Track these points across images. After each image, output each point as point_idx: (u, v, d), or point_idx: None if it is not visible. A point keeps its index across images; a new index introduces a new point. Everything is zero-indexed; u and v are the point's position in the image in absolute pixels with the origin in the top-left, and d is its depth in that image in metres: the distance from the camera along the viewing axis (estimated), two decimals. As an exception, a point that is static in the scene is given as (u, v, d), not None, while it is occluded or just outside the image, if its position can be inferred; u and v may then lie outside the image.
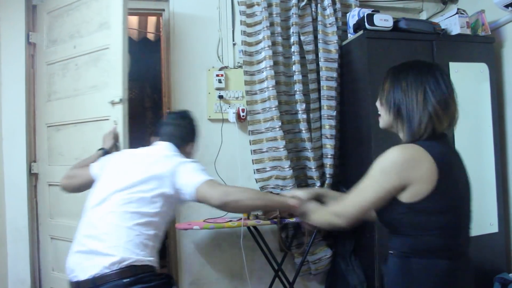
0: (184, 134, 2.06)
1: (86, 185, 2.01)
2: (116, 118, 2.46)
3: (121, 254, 1.60)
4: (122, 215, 1.68)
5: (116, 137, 2.44)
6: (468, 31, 2.98)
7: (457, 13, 2.96)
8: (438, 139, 1.35)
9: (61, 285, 2.77)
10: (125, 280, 1.58)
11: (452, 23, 2.99)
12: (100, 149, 2.29)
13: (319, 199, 1.80)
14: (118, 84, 2.47)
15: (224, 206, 1.74)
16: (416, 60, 1.51)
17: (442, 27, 2.99)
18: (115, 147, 2.41)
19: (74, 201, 2.65)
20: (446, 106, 1.35)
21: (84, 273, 1.60)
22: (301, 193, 1.78)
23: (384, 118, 1.48)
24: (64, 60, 2.80)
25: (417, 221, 1.31)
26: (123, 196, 1.71)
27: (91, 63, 2.67)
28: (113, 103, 2.48)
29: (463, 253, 1.46)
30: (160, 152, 1.92)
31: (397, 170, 1.29)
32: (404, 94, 1.36)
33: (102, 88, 2.59)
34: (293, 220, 2.74)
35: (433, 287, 1.32)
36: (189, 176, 1.76)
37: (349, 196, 1.44)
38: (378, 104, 1.53)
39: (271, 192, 2.91)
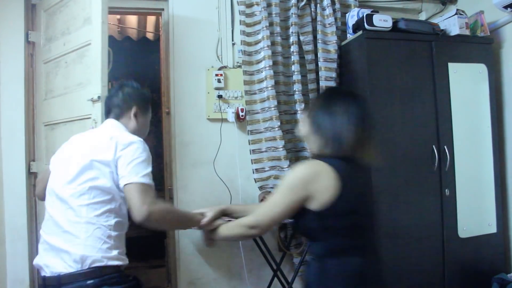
0: (122, 102, 1.93)
1: None
2: (96, 116, 2.38)
3: (82, 252, 1.58)
4: (77, 210, 1.64)
5: None
6: (467, 32, 2.98)
7: (456, 13, 2.97)
8: (343, 159, 1.52)
9: None
10: (89, 282, 1.57)
11: (451, 23, 2.99)
12: None
13: (227, 214, 1.95)
14: (98, 81, 2.39)
15: (141, 222, 1.59)
16: (348, 89, 1.88)
17: (441, 28, 3.00)
18: None
19: None
20: (357, 135, 1.53)
21: (49, 270, 1.61)
22: (208, 209, 1.88)
23: (304, 129, 1.64)
24: (57, 58, 2.79)
25: (327, 225, 1.50)
26: (72, 190, 1.67)
27: (77, 60, 2.62)
28: (92, 101, 2.40)
29: (372, 251, 1.63)
30: (102, 133, 1.81)
31: (303, 184, 1.48)
32: (328, 116, 1.55)
33: (85, 86, 2.53)
34: (291, 220, 2.73)
35: (348, 282, 1.49)
36: (126, 169, 1.65)
37: (262, 208, 1.61)
38: (303, 116, 1.72)
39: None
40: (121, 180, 1.65)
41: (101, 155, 1.68)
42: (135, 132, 1.89)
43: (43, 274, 1.65)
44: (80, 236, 1.61)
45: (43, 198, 1.89)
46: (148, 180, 1.64)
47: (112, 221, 1.67)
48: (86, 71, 2.55)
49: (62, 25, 2.75)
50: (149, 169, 1.69)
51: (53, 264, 1.62)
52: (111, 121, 1.91)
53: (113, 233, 1.66)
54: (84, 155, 1.71)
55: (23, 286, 2.80)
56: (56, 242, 1.64)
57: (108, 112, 1.96)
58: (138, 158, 1.68)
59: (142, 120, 1.98)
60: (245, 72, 3.04)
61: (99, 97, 2.36)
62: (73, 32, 2.66)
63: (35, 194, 2.08)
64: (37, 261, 1.70)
